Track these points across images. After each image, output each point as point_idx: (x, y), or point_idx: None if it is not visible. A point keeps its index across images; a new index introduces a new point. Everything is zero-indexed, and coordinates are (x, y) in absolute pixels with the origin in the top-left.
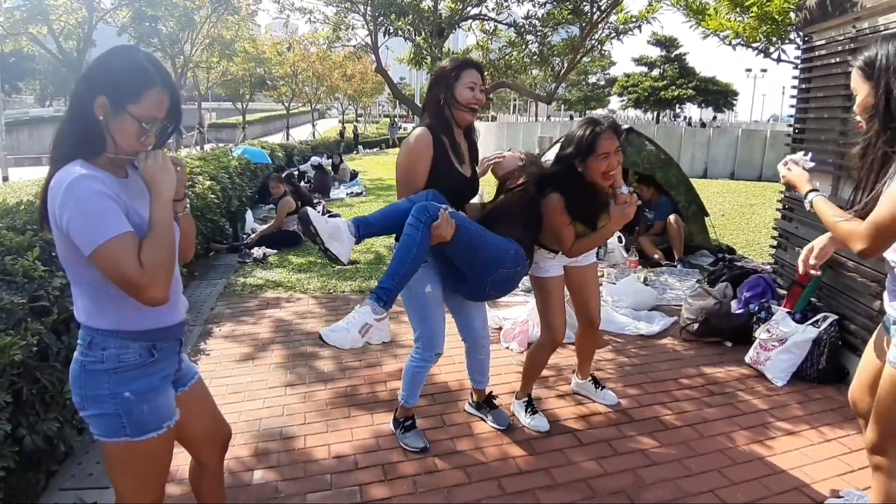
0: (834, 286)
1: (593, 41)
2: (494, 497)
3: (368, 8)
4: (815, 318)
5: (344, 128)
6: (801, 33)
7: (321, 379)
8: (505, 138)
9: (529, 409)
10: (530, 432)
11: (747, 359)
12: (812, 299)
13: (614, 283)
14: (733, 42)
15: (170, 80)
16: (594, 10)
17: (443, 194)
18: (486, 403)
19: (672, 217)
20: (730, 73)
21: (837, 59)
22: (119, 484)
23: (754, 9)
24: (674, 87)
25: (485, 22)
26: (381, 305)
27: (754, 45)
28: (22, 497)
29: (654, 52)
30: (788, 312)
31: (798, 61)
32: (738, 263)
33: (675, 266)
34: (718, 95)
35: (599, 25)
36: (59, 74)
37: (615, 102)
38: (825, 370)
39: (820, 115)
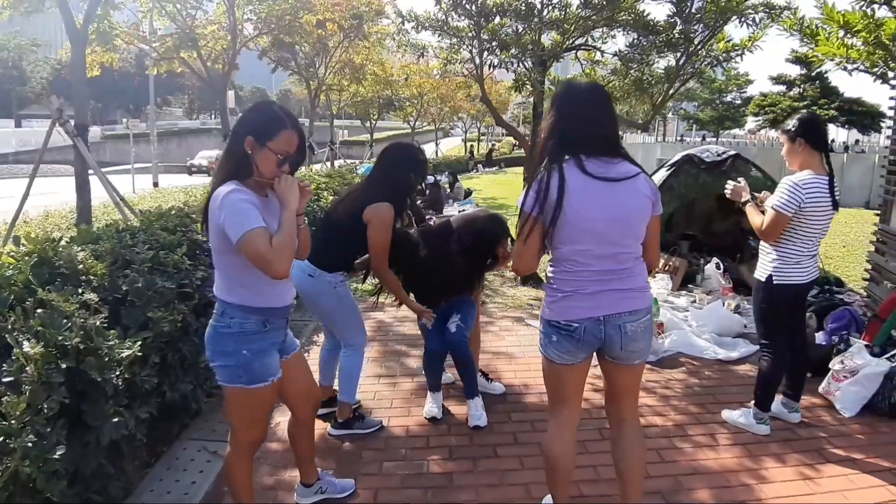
0: None
1: (691, 70)
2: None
3: (475, 42)
4: (892, 353)
5: (470, 146)
6: None
7: (408, 373)
8: None
9: (485, 377)
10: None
11: (820, 389)
12: (893, 333)
13: (700, 309)
14: (848, 67)
15: (298, 123)
16: (688, 43)
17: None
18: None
19: None
20: (878, 94)
21: None
22: (234, 421)
23: (863, 33)
24: (815, 108)
25: (590, 51)
26: None
27: (874, 69)
28: (161, 441)
29: (794, 71)
30: (867, 345)
31: None
32: (840, 297)
33: None
34: (864, 117)
35: (700, 53)
36: (205, 91)
37: (751, 122)
38: None
39: None
